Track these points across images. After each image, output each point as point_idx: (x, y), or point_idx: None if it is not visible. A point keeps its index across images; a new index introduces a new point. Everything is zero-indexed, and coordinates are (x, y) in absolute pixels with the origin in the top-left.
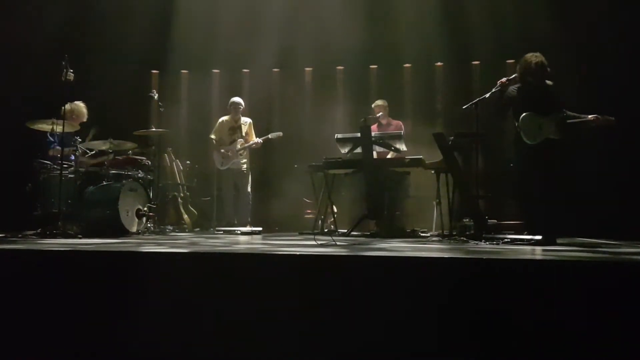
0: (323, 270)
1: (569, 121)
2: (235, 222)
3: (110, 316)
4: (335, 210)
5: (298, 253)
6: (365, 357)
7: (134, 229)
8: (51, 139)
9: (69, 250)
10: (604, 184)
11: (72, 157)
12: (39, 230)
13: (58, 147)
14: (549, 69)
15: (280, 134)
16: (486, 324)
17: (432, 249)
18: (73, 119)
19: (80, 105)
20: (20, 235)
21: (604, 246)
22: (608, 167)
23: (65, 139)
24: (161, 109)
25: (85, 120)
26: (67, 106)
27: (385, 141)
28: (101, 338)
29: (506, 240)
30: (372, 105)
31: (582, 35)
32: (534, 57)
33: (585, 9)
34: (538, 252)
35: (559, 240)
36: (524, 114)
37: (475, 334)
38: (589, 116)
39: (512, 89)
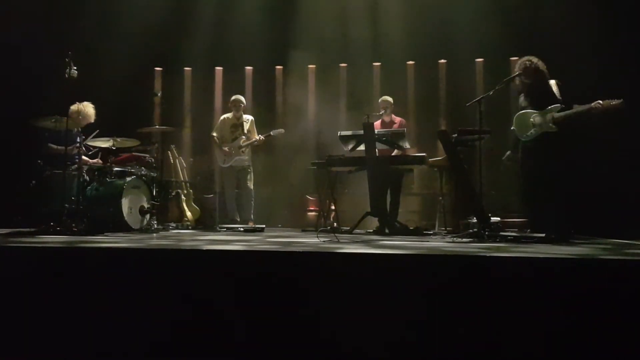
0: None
1: (566, 113)
2: (238, 219)
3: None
4: (336, 207)
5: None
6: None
7: (137, 226)
8: (46, 134)
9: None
10: (610, 181)
11: (77, 157)
12: (42, 227)
13: (51, 145)
14: (540, 70)
15: (282, 131)
16: (486, 322)
17: (433, 246)
18: (79, 119)
19: (89, 106)
20: (23, 232)
21: (608, 244)
22: (613, 165)
23: (67, 137)
24: (164, 106)
25: (92, 122)
26: (75, 106)
27: (389, 139)
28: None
29: (509, 237)
30: (379, 100)
31: (587, 32)
32: (527, 61)
33: (590, 6)
34: (539, 250)
35: (561, 238)
36: (517, 113)
37: (474, 332)
38: (592, 104)
39: (521, 96)
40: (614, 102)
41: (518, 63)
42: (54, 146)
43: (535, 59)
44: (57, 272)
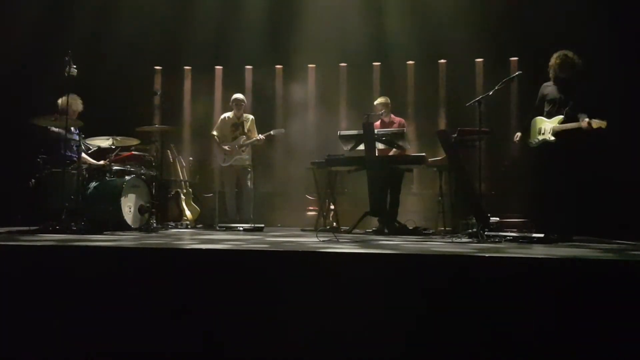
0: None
1: (562, 126)
2: (238, 218)
3: None
4: (335, 207)
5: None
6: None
7: (136, 225)
8: (57, 138)
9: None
10: (613, 184)
11: (75, 157)
12: (41, 226)
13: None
14: (578, 65)
15: (283, 130)
16: (485, 323)
17: (434, 246)
18: (72, 112)
19: (77, 98)
20: (22, 231)
21: (609, 245)
22: (616, 168)
23: (68, 135)
24: (164, 105)
25: (76, 115)
26: (64, 99)
27: (389, 138)
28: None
29: (508, 238)
30: (375, 103)
31: (587, 32)
32: (563, 55)
33: (590, 6)
34: (538, 251)
35: (561, 239)
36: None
37: (472, 333)
38: (581, 123)
39: (547, 85)
40: (599, 122)
41: (555, 56)
42: (68, 154)
43: (571, 53)
44: (55, 270)
